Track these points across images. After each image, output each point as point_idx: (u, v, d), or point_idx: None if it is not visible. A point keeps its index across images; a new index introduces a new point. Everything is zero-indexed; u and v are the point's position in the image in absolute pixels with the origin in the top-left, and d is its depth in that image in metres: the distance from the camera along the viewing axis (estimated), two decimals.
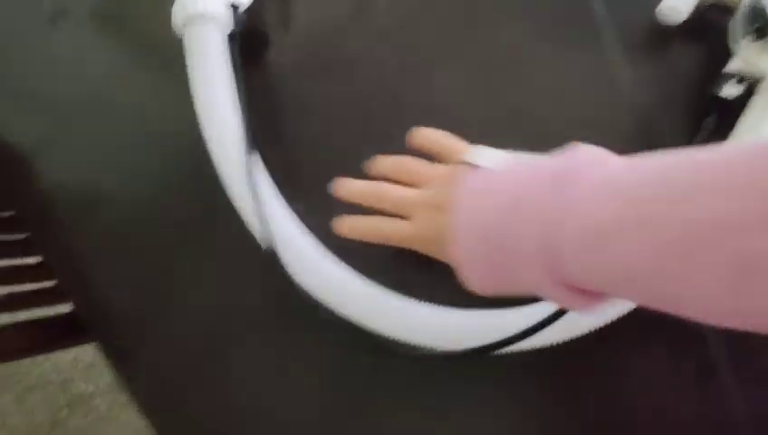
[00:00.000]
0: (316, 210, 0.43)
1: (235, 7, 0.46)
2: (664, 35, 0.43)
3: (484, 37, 0.47)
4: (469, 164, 0.32)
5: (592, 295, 0.28)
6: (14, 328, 0.58)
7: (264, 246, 0.42)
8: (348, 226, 0.37)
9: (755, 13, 0.37)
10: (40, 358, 1.25)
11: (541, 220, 0.28)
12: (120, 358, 0.50)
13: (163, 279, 0.50)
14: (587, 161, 0.29)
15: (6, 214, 0.61)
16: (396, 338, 0.38)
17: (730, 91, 0.39)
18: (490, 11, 0.47)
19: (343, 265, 0.41)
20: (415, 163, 0.36)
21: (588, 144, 0.30)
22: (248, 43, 0.47)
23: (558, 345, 0.37)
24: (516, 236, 0.28)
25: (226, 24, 0.45)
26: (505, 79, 0.45)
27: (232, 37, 0.46)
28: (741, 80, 0.39)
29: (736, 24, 0.39)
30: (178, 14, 0.45)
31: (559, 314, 0.33)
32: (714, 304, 0.25)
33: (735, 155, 0.24)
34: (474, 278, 0.31)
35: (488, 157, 0.32)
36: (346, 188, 0.37)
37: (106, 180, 0.53)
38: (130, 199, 0.52)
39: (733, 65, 0.39)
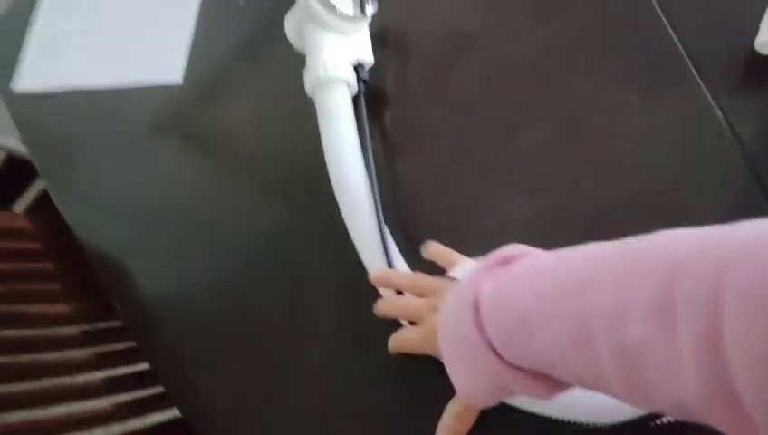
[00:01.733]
0: None
1: (360, 66, 0.50)
2: (764, 67, 0.41)
3: (563, 92, 0.47)
4: (451, 279, 0.39)
5: (550, 379, 0.31)
6: None
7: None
8: (393, 342, 0.43)
9: None
10: None
11: (473, 323, 0.32)
12: None
13: (265, 377, 0.49)
14: (511, 256, 0.33)
15: (115, 324, 0.63)
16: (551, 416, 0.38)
17: None
18: (566, 64, 0.47)
19: None
20: (423, 279, 0.43)
21: (515, 243, 0.35)
22: (369, 99, 0.51)
23: None
24: (466, 336, 0.32)
25: (353, 83, 0.49)
26: (593, 129, 0.45)
27: (357, 96, 0.50)
28: None
29: None
30: (310, 79, 0.49)
31: None
32: (620, 392, 0.26)
33: (616, 251, 0.27)
34: (456, 378, 0.36)
35: (461, 271, 0.39)
36: (381, 309, 0.44)
37: (201, 283, 0.54)
38: (225, 297, 0.53)
39: None
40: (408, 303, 0.43)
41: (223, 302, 0.53)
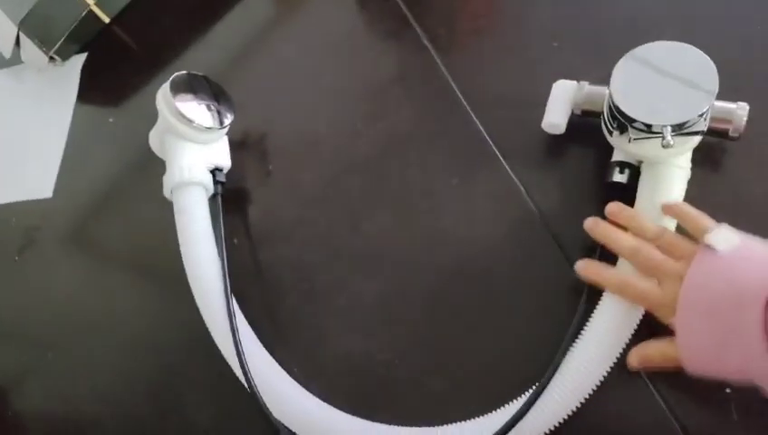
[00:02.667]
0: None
1: (217, 170, 0.55)
2: (554, 145, 0.49)
3: (396, 182, 0.53)
4: (707, 246, 0.36)
5: None
6: None
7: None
8: (594, 271, 0.41)
9: (614, 112, 0.43)
10: None
11: (762, 325, 0.31)
12: None
13: None
14: None
15: None
16: None
17: (619, 177, 0.44)
18: (397, 158, 0.54)
19: (322, 403, 0.45)
20: (674, 236, 0.40)
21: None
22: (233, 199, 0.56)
23: None
24: (740, 330, 0.32)
25: (209, 185, 0.54)
26: (424, 212, 0.51)
27: (215, 196, 0.54)
28: (623, 167, 0.44)
29: (604, 123, 0.45)
30: (167, 182, 0.53)
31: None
32: None
33: None
34: (690, 351, 0.34)
35: (721, 240, 0.36)
36: (615, 241, 0.41)
37: (87, 403, 0.54)
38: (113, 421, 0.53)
39: (614, 156, 0.45)
40: (656, 254, 0.39)
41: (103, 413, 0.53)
